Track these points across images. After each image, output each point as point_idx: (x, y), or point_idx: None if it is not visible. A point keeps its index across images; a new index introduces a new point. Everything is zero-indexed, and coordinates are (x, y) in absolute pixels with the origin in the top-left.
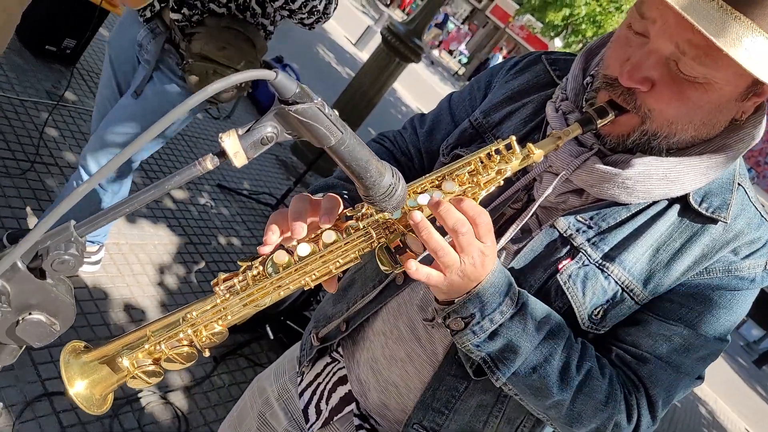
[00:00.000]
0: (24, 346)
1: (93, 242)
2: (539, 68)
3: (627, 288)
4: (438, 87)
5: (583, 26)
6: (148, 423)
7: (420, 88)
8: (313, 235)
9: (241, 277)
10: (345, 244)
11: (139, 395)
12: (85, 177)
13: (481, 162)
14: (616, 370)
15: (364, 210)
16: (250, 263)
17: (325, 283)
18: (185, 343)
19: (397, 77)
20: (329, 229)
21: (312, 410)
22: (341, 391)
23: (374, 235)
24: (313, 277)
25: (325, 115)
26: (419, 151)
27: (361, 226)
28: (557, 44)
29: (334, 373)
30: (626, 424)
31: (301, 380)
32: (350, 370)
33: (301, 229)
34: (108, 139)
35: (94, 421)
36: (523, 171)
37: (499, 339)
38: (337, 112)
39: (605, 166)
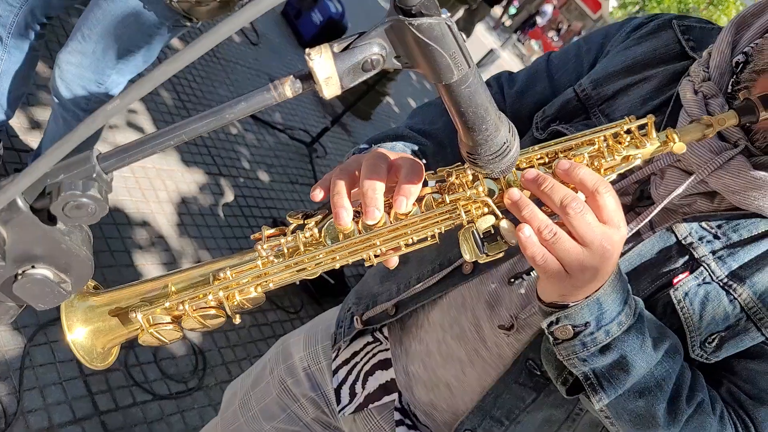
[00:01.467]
0: (24, 306)
1: None
2: (668, 36)
3: (754, 316)
4: (483, 36)
5: None
6: (165, 357)
7: (465, 36)
8: (384, 201)
9: (290, 238)
10: (423, 219)
11: None
12: (64, 106)
13: (606, 142)
14: (726, 407)
15: (452, 179)
16: (302, 221)
17: (386, 260)
18: (213, 304)
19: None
20: (406, 199)
21: (345, 391)
22: (381, 377)
23: (463, 216)
24: (378, 252)
25: (454, 38)
26: (503, 113)
27: (447, 201)
28: (613, 2)
29: (374, 355)
30: None
31: (337, 355)
32: (396, 358)
33: (376, 195)
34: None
35: None
36: None
37: (611, 354)
38: (465, 36)
39: (759, 172)
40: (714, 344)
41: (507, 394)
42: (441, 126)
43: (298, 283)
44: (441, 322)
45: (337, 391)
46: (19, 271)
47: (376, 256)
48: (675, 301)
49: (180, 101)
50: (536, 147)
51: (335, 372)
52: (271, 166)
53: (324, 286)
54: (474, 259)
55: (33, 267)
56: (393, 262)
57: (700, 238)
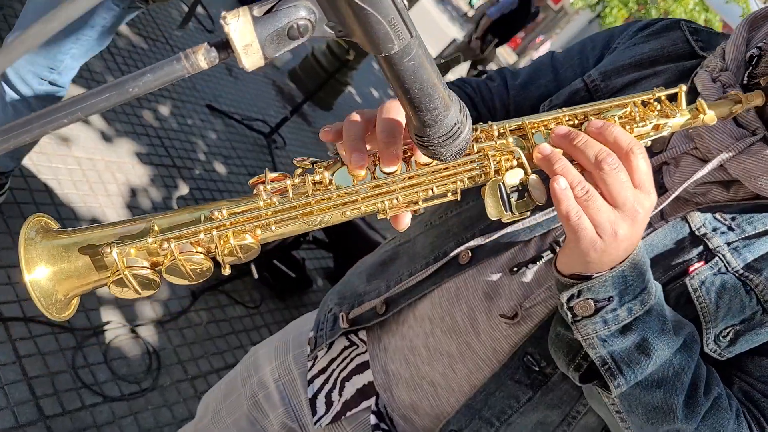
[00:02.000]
0: None
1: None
2: (677, 36)
3: None
4: (446, 27)
5: None
6: (116, 358)
7: (428, 27)
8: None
9: (298, 180)
10: (444, 168)
11: (107, 327)
12: (9, 91)
13: (636, 108)
14: (740, 406)
15: (477, 133)
16: (311, 165)
17: (396, 218)
18: (201, 249)
19: (410, 9)
20: None
21: (321, 401)
22: (359, 381)
23: (491, 167)
24: (394, 202)
25: (392, 1)
26: (505, 106)
27: (475, 149)
28: None
29: (351, 359)
30: None
31: (312, 365)
32: (374, 357)
33: (395, 154)
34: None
35: (55, 352)
36: (649, 152)
37: (632, 335)
38: (407, 2)
39: None
40: (729, 338)
41: (500, 392)
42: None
43: (257, 276)
44: (430, 316)
45: (312, 402)
46: None
47: (390, 208)
48: (691, 290)
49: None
50: (564, 108)
51: (311, 382)
52: (228, 157)
53: (285, 279)
54: (498, 217)
55: None
56: (404, 222)
57: (714, 229)
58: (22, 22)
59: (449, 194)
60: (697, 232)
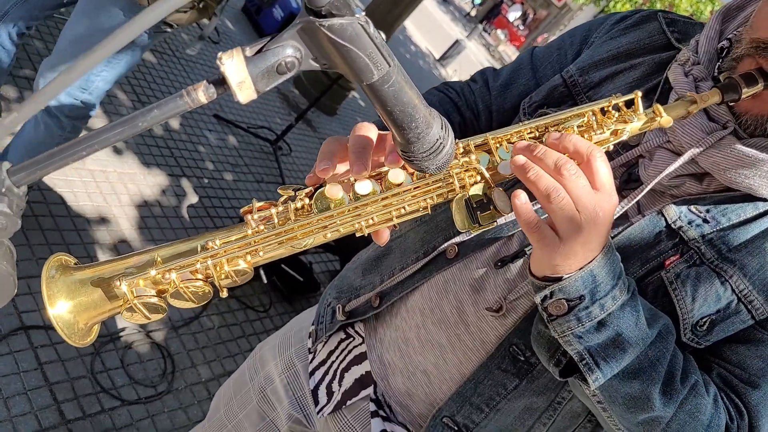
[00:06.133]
0: None
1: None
2: (653, 27)
3: (745, 299)
4: (449, 27)
5: None
6: (132, 362)
7: (430, 27)
8: (375, 173)
9: (281, 208)
10: (415, 188)
11: (123, 333)
12: (41, 112)
13: (595, 117)
14: (718, 392)
15: None
16: (293, 193)
17: (376, 233)
18: (200, 276)
19: (410, 12)
20: (397, 167)
21: (323, 391)
22: (357, 371)
23: (456, 183)
24: (370, 222)
25: (369, 38)
26: (488, 108)
27: None
28: None
29: (349, 351)
30: None
31: (313, 357)
32: (371, 348)
33: (363, 164)
34: (55, 62)
35: (74, 358)
36: (624, 145)
37: (607, 330)
38: (384, 35)
39: (750, 149)
40: (705, 327)
41: (488, 381)
42: (435, 102)
43: (266, 281)
44: (421, 308)
45: (314, 393)
46: None
47: (367, 226)
48: (667, 283)
49: (140, 103)
50: (525, 122)
51: (312, 374)
52: (235, 165)
53: (293, 283)
54: (466, 229)
55: None
56: (384, 236)
57: (690, 222)
58: (60, 51)
59: (420, 210)
60: (673, 225)
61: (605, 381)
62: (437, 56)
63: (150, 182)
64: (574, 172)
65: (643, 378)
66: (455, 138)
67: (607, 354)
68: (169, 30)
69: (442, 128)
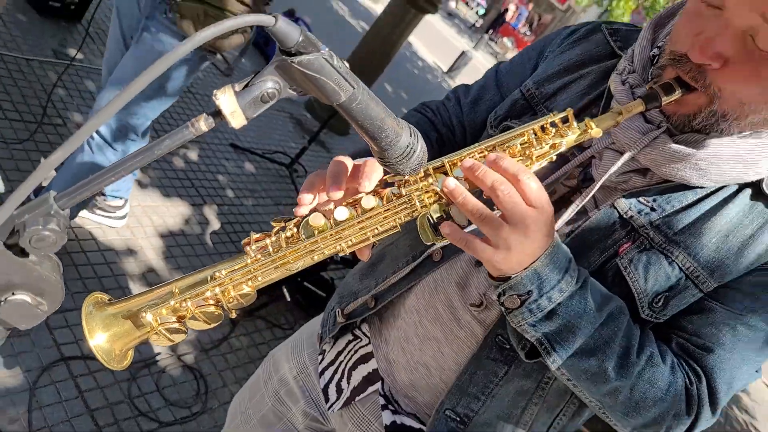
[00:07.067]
0: (11, 329)
1: (116, 197)
2: (598, 38)
3: (692, 275)
4: (455, 40)
5: None
6: (167, 386)
7: (436, 42)
8: (351, 200)
9: (273, 238)
10: (385, 211)
11: (157, 358)
12: (97, 138)
13: (535, 134)
14: (678, 359)
15: (408, 177)
16: (283, 224)
17: (359, 251)
18: (212, 302)
19: (413, 30)
20: (369, 194)
21: (332, 389)
22: (363, 369)
23: (417, 204)
24: (349, 243)
25: (333, 68)
26: (461, 123)
27: (404, 193)
28: None
29: (355, 351)
30: (686, 415)
31: (322, 359)
32: (377, 349)
33: (337, 192)
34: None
35: (112, 385)
36: (580, 147)
37: (557, 319)
38: (347, 64)
39: (678, 146)
40: (660, 304)
41: (480, 370)
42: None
43: (289, 299)
44: (417, 307)
45: (325, 391)
46: (2, 299)
47: (348, 247)
48: (621, 268)
49: (158, 137)
50: (477, 143)
51: (321, 373)
52: (254, 191)
53: (315, 299)
54: (431, 242)
55: (13, 294)
56: (366, 254)
57: (639, 211)
58: (121, 73)
59: (392, 228)
60: (624, 216)
61: (564, 361)
62: (445, 69)
63: (173, 213)
64: (508, 192)
65: (598, 355)
66: (435, 154)
67: (561, 338)
68: (211, 58)
69: (411, 135)
